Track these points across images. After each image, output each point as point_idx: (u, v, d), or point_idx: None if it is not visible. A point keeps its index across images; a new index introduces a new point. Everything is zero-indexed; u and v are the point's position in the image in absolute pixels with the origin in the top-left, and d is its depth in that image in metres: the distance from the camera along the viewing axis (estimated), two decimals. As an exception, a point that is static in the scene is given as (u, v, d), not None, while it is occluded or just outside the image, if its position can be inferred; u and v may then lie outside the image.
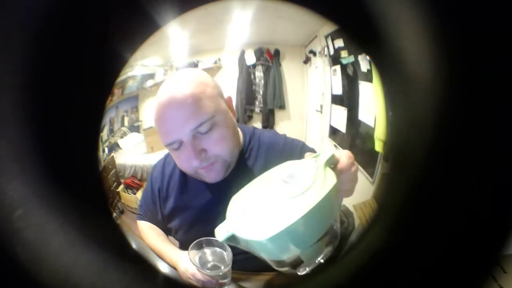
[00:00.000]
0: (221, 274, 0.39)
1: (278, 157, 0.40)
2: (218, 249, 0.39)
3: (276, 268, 0.32)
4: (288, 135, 0.47)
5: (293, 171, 0.33)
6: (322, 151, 0.34)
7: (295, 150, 0.41)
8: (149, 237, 0.47)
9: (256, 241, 0.27)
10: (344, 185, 0.33)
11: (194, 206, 0.44)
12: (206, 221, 0.41)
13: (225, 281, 0.40)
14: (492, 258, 0.17)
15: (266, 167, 0.39)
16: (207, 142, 0.38)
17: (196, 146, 0.37)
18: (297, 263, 0.31)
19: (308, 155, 0.35)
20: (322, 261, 0.31)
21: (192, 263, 0.38)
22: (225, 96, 0.42)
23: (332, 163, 0.33)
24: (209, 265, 0.39)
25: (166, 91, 0.38)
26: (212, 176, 0.41)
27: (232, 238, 0.30)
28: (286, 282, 0.41)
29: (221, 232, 0.30)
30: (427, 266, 0.18)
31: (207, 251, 0.39)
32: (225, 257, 0.39)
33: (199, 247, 0.39)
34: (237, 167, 0.42)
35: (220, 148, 0.39)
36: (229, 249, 0.38)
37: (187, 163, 0.39)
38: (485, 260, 0.17)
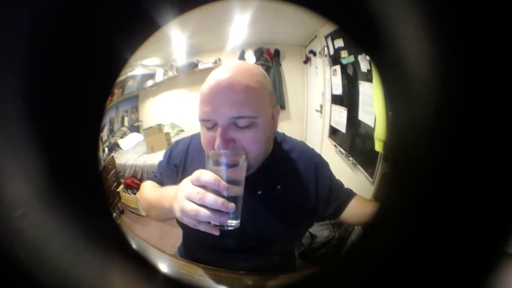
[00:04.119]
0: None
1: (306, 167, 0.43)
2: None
3: None
4: (288, 135, 0.47)
5: None
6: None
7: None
8: (148, 190, 0.46)
9: None
10: None
11: None
12: None
13: (233, 222, 0.36)
14: (492, 257, 0.17)
15: (292, 170, 0.43)
16: (239, 136, 0.38)
17: (227, 134, 0.37)
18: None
19: None
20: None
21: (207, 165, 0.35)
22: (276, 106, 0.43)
23: None
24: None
25: (227, 71, 0.38)
26: None
27: None
28: (286, 282, 0.41)
29: None
30: (427, 266, 0.18)
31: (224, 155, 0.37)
32: (241, 161, 0.36)
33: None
34: (265, 167, 0.43)
35: (248, 148, 0.38)
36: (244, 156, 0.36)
37: (211, 145, 0.38)
38: (485, 259, 0.17)
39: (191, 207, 0.34)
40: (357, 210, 0.43)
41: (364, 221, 0.40)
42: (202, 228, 0.35)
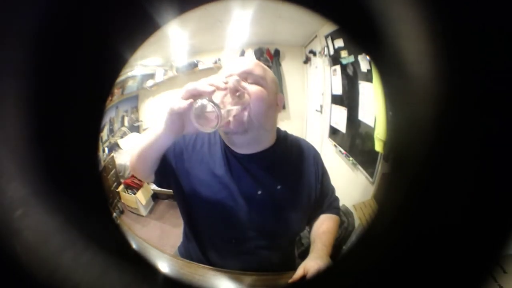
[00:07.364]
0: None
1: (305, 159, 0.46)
2: None
3: None
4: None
5: None
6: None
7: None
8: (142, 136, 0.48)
9: None
10: None
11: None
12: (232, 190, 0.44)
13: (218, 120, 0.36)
14: (492, 258, 0.17)
15: (293, 168, 0.45)
16: (247, 86, 0.41)
17: (237, 86, 0.41)
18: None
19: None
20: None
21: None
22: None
23: None
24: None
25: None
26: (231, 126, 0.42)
27: None
28: (286, 283, 0.41)
29: None
30: (427, 266, 0.18)
31: None
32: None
33: None
34: (266, 165, 0.45)
35: (252, 101, 0.41)
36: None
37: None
38: (485, 260, 0.17)
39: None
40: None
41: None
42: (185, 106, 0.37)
